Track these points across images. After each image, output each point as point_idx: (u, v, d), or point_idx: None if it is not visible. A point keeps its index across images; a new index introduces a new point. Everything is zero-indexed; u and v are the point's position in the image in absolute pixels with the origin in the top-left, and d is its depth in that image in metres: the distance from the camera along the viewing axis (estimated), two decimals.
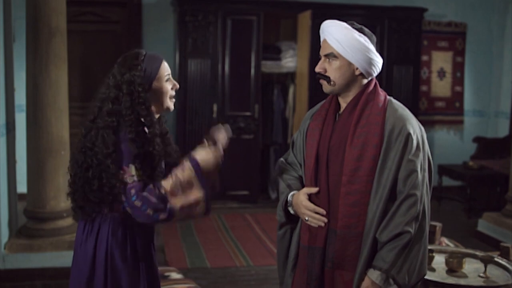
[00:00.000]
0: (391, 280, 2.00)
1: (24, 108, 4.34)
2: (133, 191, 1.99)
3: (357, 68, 2.09)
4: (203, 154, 2.10)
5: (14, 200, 4.44)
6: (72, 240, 4.24)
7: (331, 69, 2.10)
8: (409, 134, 2.03)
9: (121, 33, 6.65)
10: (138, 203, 1.98)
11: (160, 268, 2.53)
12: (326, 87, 2.13)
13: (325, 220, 2.08)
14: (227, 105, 6.51)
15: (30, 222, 4.33)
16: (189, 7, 6.28)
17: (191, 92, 6.32)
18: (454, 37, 7.46)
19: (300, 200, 2.13)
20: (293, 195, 2.19)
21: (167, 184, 2.03)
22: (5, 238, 4.25)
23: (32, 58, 4.16)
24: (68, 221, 4.36)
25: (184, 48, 6.33)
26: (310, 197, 2.13)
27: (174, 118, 6.46)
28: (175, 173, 2.06)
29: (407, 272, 2.00)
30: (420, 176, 2.02)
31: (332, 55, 2.09)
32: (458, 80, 7.52)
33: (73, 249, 2.19)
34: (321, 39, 2.15)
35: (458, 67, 7.51)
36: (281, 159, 2.35)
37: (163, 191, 2.01)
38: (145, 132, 2.06)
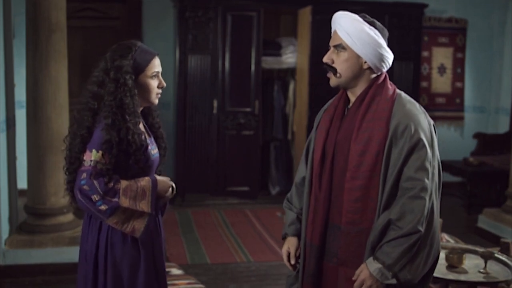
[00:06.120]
0: (389, 275, 1.93)
1: (24, 104, 4.34)
2: (84, 175, 2.05)
3: (365, 62, 2.05)
4: (162, 178, 2.21)
5: (14, 196, 4.44)
6: (72, 236, 4.25)
7: (338, 61, 2.06)
8: (415, 131, 1.97)
9: (121, 29, 6.65)
10: (86, 187, 2.03)
11: None
12: (332, 80, 2.09)
13: (290, 268, 2.24)
14: (227, 101, 6.50)
15: (31, 218, 4.33)
16: (189, 3, 6.27)
17: (191, 88, 6.30)
18: (455, 33, 7.45)
19: (282, 252, 2.26)
20: (285, 236, 2.30)
21: (124, 182, 2.08)
22: (5, 234, 4.25)
23: (32, 54, 4.15)
24: (69, 217, 4.37)
25: (184, 44, 6.32)
26: (314, 192, 2.12)
27: (174, 114, 6.46)
28: (134, 179, 2.12)
29: (410, 270, 1.93)
30: (430, 173, 1.96)
31: (340, 47, 2.05)
32: (458, 76, 7.51)
33: (79, 243, 2.24)
34: (332, 30, 2.12)
35: (459, 63, 7.50)
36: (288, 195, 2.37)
37: (117, 186, 2.06)
38: (126, 120, 2.08)
